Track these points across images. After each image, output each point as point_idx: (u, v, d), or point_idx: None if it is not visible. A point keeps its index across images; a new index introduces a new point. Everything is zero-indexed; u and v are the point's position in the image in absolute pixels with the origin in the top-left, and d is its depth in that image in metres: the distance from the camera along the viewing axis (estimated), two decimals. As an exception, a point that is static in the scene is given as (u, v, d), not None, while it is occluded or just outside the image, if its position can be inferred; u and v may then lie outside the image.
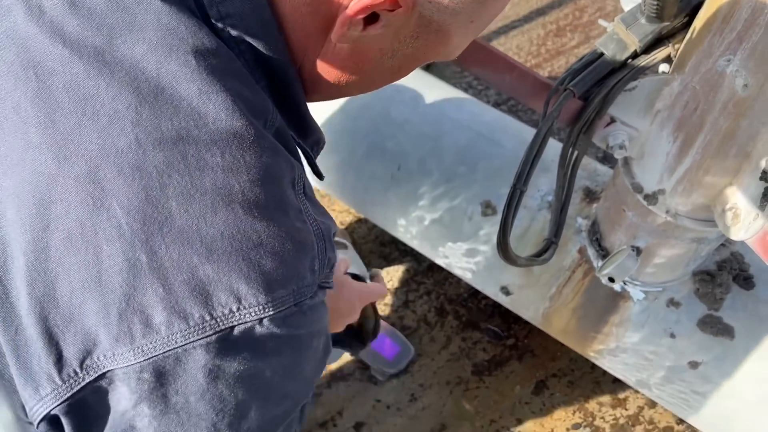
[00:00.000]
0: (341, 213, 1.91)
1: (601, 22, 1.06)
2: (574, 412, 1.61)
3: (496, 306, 1.73)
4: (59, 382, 0.49)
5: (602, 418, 1.60)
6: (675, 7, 0.95)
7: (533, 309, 1.44)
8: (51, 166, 0.48)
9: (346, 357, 1.67)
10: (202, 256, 0.48)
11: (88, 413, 0.50)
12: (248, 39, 0.55)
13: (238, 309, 0.49)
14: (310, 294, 0.53)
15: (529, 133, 1.53)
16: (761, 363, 1.24)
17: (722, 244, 1.31)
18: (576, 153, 1.09)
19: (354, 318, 1.03)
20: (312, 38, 0.58)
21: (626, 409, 1.61)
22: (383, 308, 1.74)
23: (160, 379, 0.49)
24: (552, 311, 1.41)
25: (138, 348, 0.48)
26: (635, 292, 1.31)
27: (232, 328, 0.49)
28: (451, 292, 1.78)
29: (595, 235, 1.33)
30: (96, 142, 0.49)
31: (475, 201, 1.45)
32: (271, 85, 0.59)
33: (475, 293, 1.76)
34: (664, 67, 1.05)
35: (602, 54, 1.00)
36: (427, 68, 2.26)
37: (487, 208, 1.43)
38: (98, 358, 0.48)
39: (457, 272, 1.53)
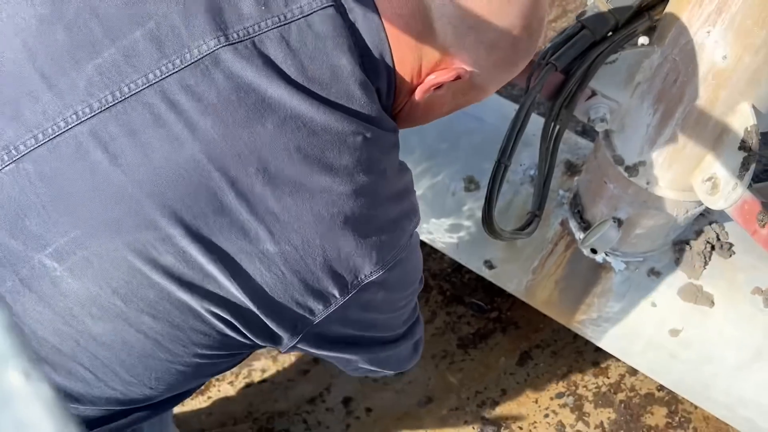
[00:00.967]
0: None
1: (582, -5, 1.06)
2: (558, 381, 1.64)
3: (480, 280, 1.75)
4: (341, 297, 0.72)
5: (585, 386, 1.63)
6: (655, -21, 0.96)
7: (516, 282, 1.46)
8: None
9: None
10: (359, 239, 0.70)
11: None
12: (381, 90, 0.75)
13: (369, 273, 0.72)
14: (405, 246, 0.77)
15: (509, 107, 1.54)
16: (739, 329, 1.27)
17: (702, 214, 1.33)
18: (558, 127, 1.10)
19: None
20: (406, 96, 0.79)
21: (608, 378, 1.64)
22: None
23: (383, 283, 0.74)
24: (535, 284, 1.43)
25: (376, 265, 0.72)
26: (616, 263, 1.33)
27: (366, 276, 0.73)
28: (435, 267, 1.80)
29: (577, 208, 1.35)
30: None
31: (457, 177, 1.45)
32: None
33: (459, 268, 1.77)
34: (644, 39, 1.06)
35: (583, 27, 1.00)
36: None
37: (470, 184, 1.44)
38: (362, 278, 0.71)
39: (441, 247, 1.54)
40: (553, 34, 1.87)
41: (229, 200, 0.62)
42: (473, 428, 1.57)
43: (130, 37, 0.64)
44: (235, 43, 0.64)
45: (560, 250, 1.38)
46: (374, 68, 0.72)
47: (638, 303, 1.33)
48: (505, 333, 1.71)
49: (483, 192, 1.07)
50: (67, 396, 0.69)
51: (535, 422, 1.58)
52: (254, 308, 0.67)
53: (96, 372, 0.68)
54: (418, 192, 1.48)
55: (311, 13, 0.67)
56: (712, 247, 1.31)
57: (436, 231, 1.51)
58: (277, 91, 0.64)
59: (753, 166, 0.96)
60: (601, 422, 1.58)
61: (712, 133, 1.00)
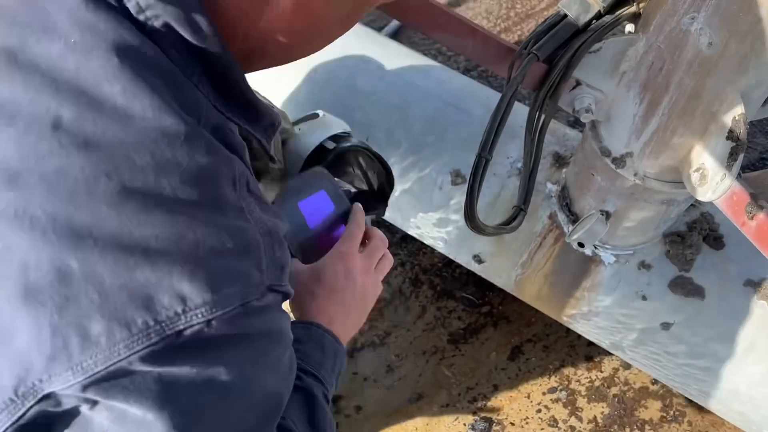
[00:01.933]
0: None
1: (565, -18, 1.03)
2: (550, 376, 1.62)
3: (471, 274, 1.73)
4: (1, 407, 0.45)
5: (578, 381, 1.61)
6: (638, -36, 0.93)
7: (506, 276, 1.43)
8: None
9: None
10: (138, 259, 0.45)
11: None
12: (174, 29, 0.51)
13: (184, 311, 0.46)
14: (257, 294, 0.51)
15: (497, 99, 1.50)
16: (731, 322, 1.24)
17: (692, 205, 1.30)
18: (543, 118, 1.07)
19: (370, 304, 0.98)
20: (248, 8, 0.55)
21: (601, 372, 1.62)
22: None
23: (109, 397, 0.45)
24: (524, 278, 1.41)
25: (77, 366, 0.44)
26: (606, 256, 1.30)
27: (180, 332, 0.46)
28: (425, 262, 1.77)
29: (565, 200, 1.32)
30: (14, 148, 0.45)
31: (444, 170, 1.43)
32: (207, 75, 0.55)
33: (449, 262, 1.75)
34: (629, 27, 1.03)
35: (565, 15, 0.97)
36: (395, 36, 2.23)
37: (457, 177, 1.42)
38: (33, 384, 0.44)
39: (430, 242, 1.51)
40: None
41: None
42: (465, 424, 1.55)
43: None
44: None
45: (549, 243, 1.36)
46: None
47: (629, 296, 1.30)
48: (497, 328, 1.68)
49: (468, 186, 1.04)
50: None
51: (528, 417, 1.56)
52: None
53: None
54: (405, 186, 1.45)
55: None
56: (704, 239, 1.29)
57: (423, 225, 1.49)
58: None
59: (741, 156, 0.94)
60: (595, 417, 1.56)
61: (699, 123, 0.97)
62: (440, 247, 1.50)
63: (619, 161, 1.10)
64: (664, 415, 1.56)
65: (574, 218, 1.30)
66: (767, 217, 0.90)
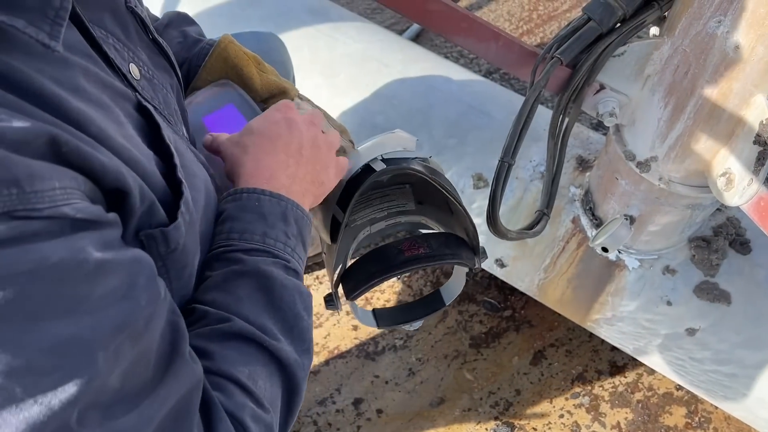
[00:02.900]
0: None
1: (588, -15, 1.02)
2: (573, 381, 1.60)
3: (493, 278, 1.72)
4: None
5: (601, 386, 1.60)
6: (663, -33, 0.92)
7: (528, 280, 1.43)
8: None
9: (343, 335, 1.66)
10: None
11: None
12: None
13: None
14: None
15: (519, 102, 1.49)
16: (758, 328, 1.23)
17: (718, 209, 1.29)
18: (566, 121, 1.06)
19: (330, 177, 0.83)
20: None
21: (625, 377, 1.61)
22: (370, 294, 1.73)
23: None
24: (547, 282, 1.40)
25: None
26: (630, 261, 1.29)
27: None
28: (447, 266, 1.77)
29: (589, 204, 1.31)
30: None
31: (466, 174, 1.42)
32: None
33: (470, 266, 1.74)
34: (653, 31, 1.02)
35: (589, 19, 0.97)
36: (416, 39, 2.23)
37: (479, 181, 1.41)
38: None
39: (451, 246, 1.51)
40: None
41: None
42: (486, 429, 1.54)
43: None
44: None
45: (572, 247, 1.35)
46: None
47: (653, 301, 1.29)
48: (519, 332, 1.68)
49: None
50: None
51: (550, 423, 1.55)
52: None
53: None
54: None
55: None
56: (730, 244, 1.27)
57: (445, 229, 1.48)
58: None
59: (769, 161, 0.92)
60: (618, 423, 1.55)
61: (725, 127, 0.96)
62: (462, 250, 1.49)
63: (644, 165, 1.09)
64: (689, 421, 1.54)
65: (598, 222, 1.29)
66: (796, 222, 0.89)
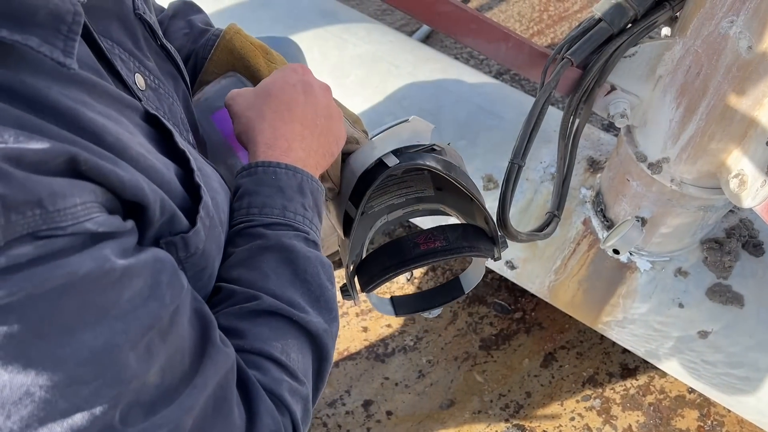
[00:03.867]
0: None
1: (599, -14, 1.02)
2: (584, 383, 1.60)
3: (503, 280, 1.72)
4: None
5: (612, 389, 1.59)
6: (675, -33, 0.91)
7: (539, 282, 1.42)
8: None
9: (353, 336, 1.66)
10: None
11: None
12: None
13: None
14: None
15: (529, 103, 1.49)
16: (772, 331, 1.21)
17: (731, 211, 1.28)
18: (577, 122, 1.06)
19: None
20: None
21: (636, 380, 1.60)
22: (389, 284, 1.73)
23: None
24: (558, 284, 1.39)
25: None
26: (642, 263, 1.28)
27: None
28: (456, 267, 1.77)
29: (600, 206, 1.31)
30: None
31: (476, 175, 1.42)
32: None
33: (480, 267, 1.74)
34: (665, 31, 1.01)
35: (600, 20, 0.96)
36: (426, 40, 2.22)
37: (489, 182, 1.41)
38: None
39: (461, 247, 1.50)
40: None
41: None
42: (496, 431, 1.54)
43: None
44: None
45: (583, 249, 1.34)
46: None
47: (665, 304, 1.28)
48: (529, 334, 1.67)
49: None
50: None
51: (561, 426, 1.54)
52: None
53: None
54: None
55: None
56: (743, 245, 1.26)
57: (455, 231, 1.48)
58: None
59: (782, 162, 0.92)
60: (630, 426, 1.54)
61: (738, 128, 0.95)
62: (472, 252, 1.49)
63: (656, 167, 1.09)
64: (702, 425, 1.53)
65: (609, 224, 1.28)
66: (810, 224, 0.88)
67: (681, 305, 1.26)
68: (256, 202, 0.68)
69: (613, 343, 1.59)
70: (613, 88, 1.03)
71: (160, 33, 0.73)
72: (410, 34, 2.24)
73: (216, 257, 0.65)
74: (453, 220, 1.01)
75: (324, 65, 1.57)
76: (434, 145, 0.93)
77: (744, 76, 0.89)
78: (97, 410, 0.45)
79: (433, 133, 1.41)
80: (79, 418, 0.45)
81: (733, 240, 1.25)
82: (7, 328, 0.41)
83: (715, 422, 1.53)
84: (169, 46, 0.75)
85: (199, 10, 1.00)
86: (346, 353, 1.65)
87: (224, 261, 0.67)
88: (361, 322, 1.69)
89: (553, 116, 1.33)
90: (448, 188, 1.02)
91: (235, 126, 0.78)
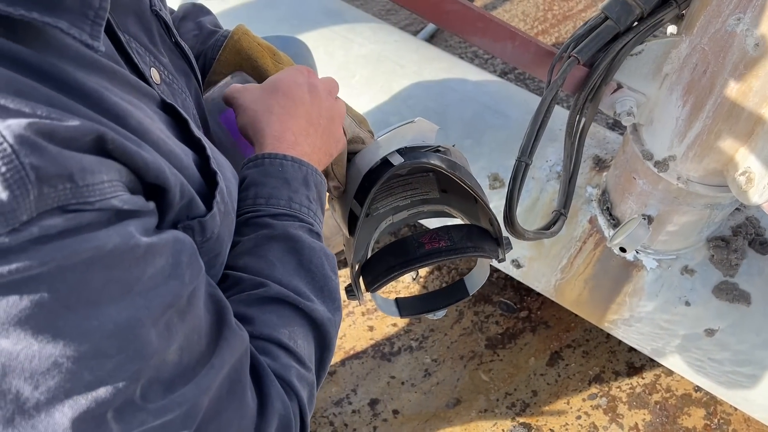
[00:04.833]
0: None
1: (605, -16, 1.02)
2: (590, 382, 1.60)
3: (509, 279, 1.72)
4: None
5: (618, 387, 1.59)
6: (681, -35, 0.91)
7: (545, 281, 1.42)
8: None
9: (358, 335, 1.66)
10: None
11: None
12: None
13: None
14: (12, 223, 0.40)
15: (535, 101, 1.49)
16: (779, 328, 1.21)
17: (737, 209, 1.28)
18: (583, 121, 1.06)
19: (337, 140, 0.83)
20: None
21: (643, 378, 1.60)
22: (395, 284, 1.73)
23: None
24: (564, 283, 1.39)
25: None
26: (648, 261, 1.28)
27: None
28: (462, 266, 1.77)
29: (606, 204, 1.31)
30: None
31: (482, 174, 1.42)
32: None
33: (486, 266, 1.74)
34: (671, 29, 1.01)
35: (606, 18, 0.96)
36: (431, 39, 2.23)
37: (495, 181, 1.41)
38: None
39: (467, 246, 1.51)
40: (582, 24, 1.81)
41: None
42: (503, 430, 1.54)
43: None
44: None
45: (589, 248, 1.34)
46: None
47: (672, 302, 1.28)
48: (535, 333, 1.67)
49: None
50: None
51: (567, 424, 1.54)
52: None
53: None
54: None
55: None
56: (749, 243, 1.26)
57: (461, 230, 1.48)
58: None
59: (790, 160, 0.92)
60: (636, 424, 1.54)
61: (745, 126, 0.95)
62: (478, 251, 1.49)
63: (662, 165, 1.09)
64: (708, 423, 1.53)
65: (615, 222, 1.28)
66: (817, 221, 0.88)
67: (687, 303, 1.26)
68: (263, 193, 0.70)
69: (620, 342, 1.59)
70: (619, 87, 1.03)
71: (174, 30, 0.74)
72: (415, 33, 2.24)
73: (228, 243, 0.66)
74: (458, 221, 1.02)
75: (329, 65, 1.57)
76: (439, 146, 0.94)
77: (751, 74, 0.89)
78: (120, 384, 0.46)
79: (439, 133, 1.42)
80: (102, 392, 0.46)
81: (739, 238, 1.25)
82: (39, 298, 0.42)
83: (721, 420, 1.53)
84: (182, 43, 0.77)
85: (208, 12, 1.02)
86: (352, 352, 1.65)
87: (231, 250, 0.69)
88: (367, 321, 1.69)
89: (559, 115, 1.33)
90: (453, 190, 1.02)
91: (240, 118, 0.79)
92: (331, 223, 1.65)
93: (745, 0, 0.84)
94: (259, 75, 0.94)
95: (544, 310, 1.69)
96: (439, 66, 1.56)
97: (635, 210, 1.20)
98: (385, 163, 0.89)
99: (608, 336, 1.62)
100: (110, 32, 0.59)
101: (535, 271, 1.42)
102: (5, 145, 0.39)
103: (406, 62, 1.56)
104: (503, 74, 2.17)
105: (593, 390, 1.59)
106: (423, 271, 1.77)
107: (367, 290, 0.92)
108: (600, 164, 1.38)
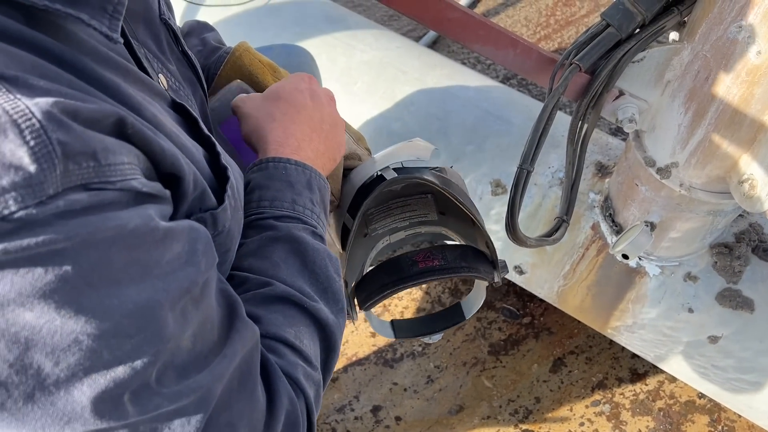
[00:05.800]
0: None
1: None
2: (593, 389, 1.59)
3: (512, 285, 1.72)
4: None
5: (622, 394, 1.58)
6: (683, -28, 0.91)
7: (547, 287, 1.42)
8: None
9: (362, 341, 1.66)
10: None
11: None
12: None
13: None
14: (39, 196, 0.40)
15: (537, 107, 1.49)
16: (783, 335, 1.21)
17: (740, 216, 1.27)
18: (585, 128, 1.06)
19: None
20: None
21: (646, 385, 1.59)
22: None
23: None
24: (567, 289, 1.39)
25: None
26: (651, 268, 1.28)
27: None
28: (464, 287, 1.77)
29: (609, 211, 1.30)
30: None
31: (484, 180, 1.42)
32: None
33: (489, 272, 1.74)
34: (673, 36, 1.01)
35: (608, 25, 0.96)
36: (433, 45, 2.23)
37: (497, 187, 1.41)
38: None
39: (470, 253, 1.50)
40: (584, 29, 1.81)
41: None
42: (506, 437, 1.54)
43: None
44: None
45: (592, 254, 1.34)
46: None
47: (675, 309, 1.28)
48: (538, 339, 1.67)
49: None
50: None
51: (570, 431, 1.54)
52: None
53: None
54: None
55: None
56: (752, 250, 1.25)
57: (463, 236, 1.48)
58: None
59: (792, 167, 0.91)
60: (639, 431, 1.53)
61: (747, 132, 0.95)
62: (480, 257, 1.49)
63: (664, 171, 1.09)
64: (712, 430, 1.52)
65: (618, 229, 1.28)
66: (820, 229, 0.87)
67: (691, 310, 1.26)
68: (267, 196, 0.71)
69: (623, 348, 1.59)
70: (621, 93, 1.03)
71: (182, 39, 0.75)
72: (417, 39, 2.24)
73: (236, 240, 0.67)
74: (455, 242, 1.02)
75: (332, 71, 1.57)
76: (436, 166, 0.95)
77: (753, 81, 0.89)
78: (138, 365, 0.46)
79: (440, 140, 1.42)
80: (121, 372, 0.46)
81: (742, 244, 1.25)
82: (63, 273, 0.42)
83: (725, 427, 1.52)
84: (189, 52, 0.78)
85: (212, 29, 1.03)
86: (354, 359, 1.65)
87: (236, 251, 0.69)
88: (369, 327, 1.69)
89: (561, 121, 1.33)
90: (451, 213, 1.03)
91: (244, 126, 0.80)
92: (327, 238, 1.65)
93: (747, 7, 0.84)
94: (260, 91, 0.95)
95: (547, 317, 1.69)
96: (441, 72, 1.56)
97: (638, 216, 1.20)
98: (379, 178, 0.89)
99: (611, 342, 1.62)
100: (123, 36, 0.61)
101: (538, 278, 1.42)
102: (34, 120, 0.40)
103: (408, 68, 1.56)
104: (505, 80, 2.17)
105: (596, 396, 1.58)
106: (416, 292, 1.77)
107: (361, 308, 0.93)
108: (602, 170, 1.38)
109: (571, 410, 1.57)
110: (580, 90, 1.01)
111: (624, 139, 1.55)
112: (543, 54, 1.04)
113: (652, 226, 1.18)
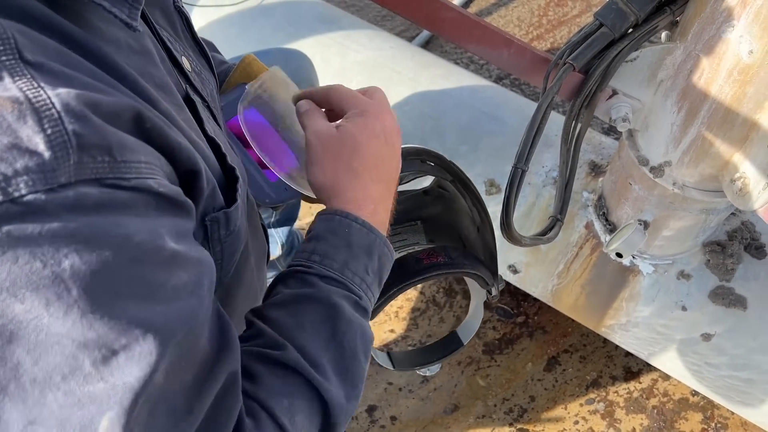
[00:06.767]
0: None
1: (600, -9, 1.02)
2: (588, 387, 1.60)
3: (506, 284, 1.72)
4: None
5: (616, 392, 1.59)
6: (675, -28, 0.92)
7: (541, 286, 1.42)
8: None
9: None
10: None
11: None
12: None
13: None
14: (50, 182, 0.40)
15: (531, 107, 1.50)
16: (775, 333, 1.22)
17: (732, 214, 1.28)
18: (579, 127, 1.06)
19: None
20: None
21: (640, 383, 1.60)
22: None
23: None
24: (561, 288, 1.40)
25: None
26: (644, 266, 1.29)
27: None
28: (459, 275, 1.77)
29: (602, 210, 1.31)
30: None
31: (478, 180, 1.42)
32: None
33: (483, 272, 1.74)
34: (666, 35, 1.02)
35: (601, 25, 0.97)
36: (426, 45, 2.23)
37: (491, 187, 1.41)
38: None
39: (464, 252, 1.51)
40: (576, 29, 1.81)
41: None
42: (501, 436, 1.54)
43: None
44: None
45: (586, 253, 1.34)
46: None
47: (668, 307, 1.28)
48: (532, 338, 1.67)
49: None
50: None
51: (565, 429, 1.54)
52: None
53: None
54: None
55: None
56: (745, 248, 1.26)
57: (458, 236, 1.48)
58: None
59: (784, 165, 0.92)
60: (633, 429, 1.54)
61: (739, 131, 0.96)
62: (475, 257, 1.49)
63: (657, 170, 1.09)
64: (705, 427, 1.53)
65: (612, 228, 1.29)
66: (812, 226, 0.88)
67: (684, 308, 1.27)
68: (320, 250, 0.66)
69: (617, 347, 1.59)
70: (614, 93, 1.03)
71: (194, 27, 0.76)
72: (410, 39, 2.24)
73: (243, 242, 0.66)
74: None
75: (326, 72, 1.57)
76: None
77: (745, 80, 0.89)
78: (119, 386, 0.44)
79: (436, 140, 1.42)
80: (100, 388, 0.43)
81: (735, 243, 1.25)
82: (60, 271, 0.41)
83: (718, 425, 1.53)
84: (202, 41, 0.78)
85: (216, 50, 1.04)
86: (349, 359, 1.65)
87: (269, 296, 0.66)
88: (364, 327, 1.69)
89: (555, 120, 1.33)
90: (441, 239, 1.04)
91: (317, 175, 0.71)
92: None
93: (739, 8, 0.84)
94: None
95: (541, 316, 1.69)
96: (434, 72, 1.56)
97: (631, 215, 1.21)
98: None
99: (605, 341, 1.63)
100: (145, 20, 0.61)
101: (532, 277, 1.43)
102: (53, 110, 0.41)
103: (402, 69, 1.56)
104: (498, 79, 2.17)
105: (591, 395, 1.59)
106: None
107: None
108: (596, 169, 1.39)
109: (565, 409, 1.57)
110: (574, 89, 1.02)
111: (617, 139, 1.56)
112: (537, 54, 1.04)
113: (646, 225, 1.18)
